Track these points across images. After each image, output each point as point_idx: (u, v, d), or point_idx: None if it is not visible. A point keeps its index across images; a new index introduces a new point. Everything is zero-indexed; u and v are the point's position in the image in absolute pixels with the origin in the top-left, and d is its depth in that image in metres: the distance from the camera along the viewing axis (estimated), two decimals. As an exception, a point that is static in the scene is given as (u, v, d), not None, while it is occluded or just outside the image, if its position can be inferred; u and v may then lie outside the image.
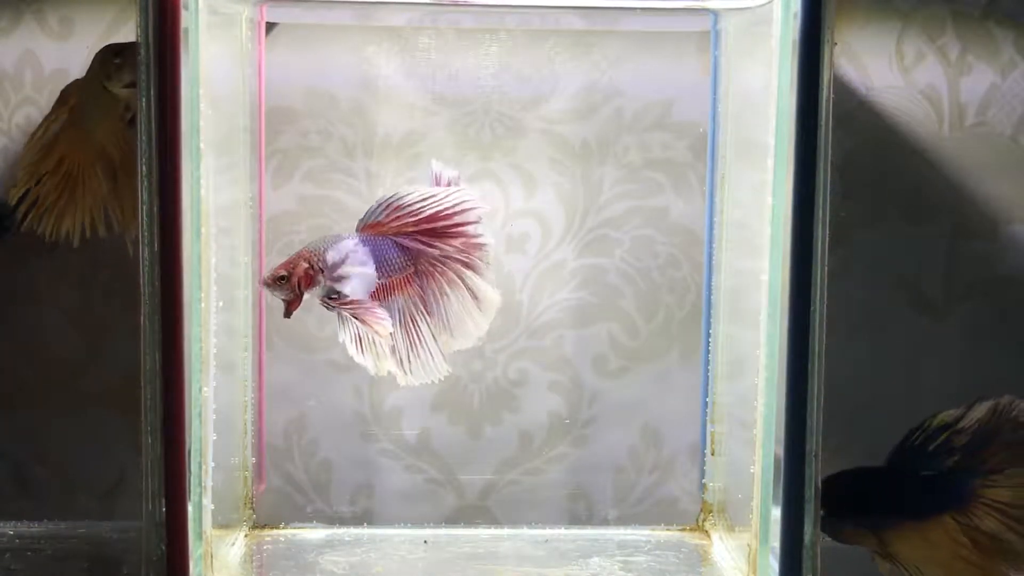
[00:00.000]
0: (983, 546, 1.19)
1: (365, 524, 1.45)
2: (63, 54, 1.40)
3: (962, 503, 1.20)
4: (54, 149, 1.34)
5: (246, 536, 1.39)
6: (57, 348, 1.44)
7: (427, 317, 1.22)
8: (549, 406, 1.46)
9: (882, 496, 1.14)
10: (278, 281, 1.19)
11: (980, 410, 1.21)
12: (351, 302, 1.19)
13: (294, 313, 1.20)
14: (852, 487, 1.22)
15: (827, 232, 1.10)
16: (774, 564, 1.15)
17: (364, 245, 1.21)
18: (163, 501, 1.10)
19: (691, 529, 1.44)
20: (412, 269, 1.22)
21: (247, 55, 1.35)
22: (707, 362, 1.41)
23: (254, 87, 1.37)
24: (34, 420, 1.45)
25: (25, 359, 1.44)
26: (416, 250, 1.21)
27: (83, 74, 1.34)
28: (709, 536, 1.41)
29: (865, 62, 1.43)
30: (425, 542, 1.38)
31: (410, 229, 1.20)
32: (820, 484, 1.12)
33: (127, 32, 1.39)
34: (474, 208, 1.21)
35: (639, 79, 1.42)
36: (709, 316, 1.41)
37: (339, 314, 1.21)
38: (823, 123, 1.09)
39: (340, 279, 1.20)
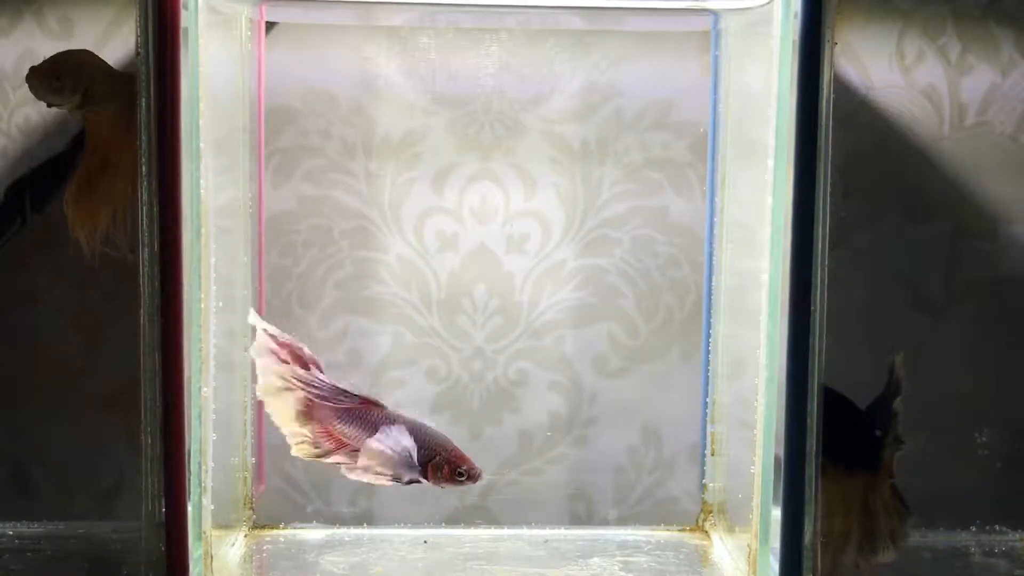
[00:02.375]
0: (867, 525, 1.16)
1: (365, 524, 1.45)
2: (63, 54, 1.40)
3: (874, 466, 1.16)
4: None
5: (246, 536, 1.39)
6: (57, 348, 1.44)
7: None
8: (549, 406, 1.46)
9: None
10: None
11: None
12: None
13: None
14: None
15: (827, 232, 1.10)
16: (774, 564, 1.15)
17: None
18: (163, 501, 1.10)
19: (691, 529, 1.44)
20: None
21: (247, 55, 1.35)
22: (707, 362, 1.41)
23: (254, 87, 1.37)
24: (34, 420, 1.45)
25: (25, 359, 1.44)
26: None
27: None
28: (709, 536, 1.41)
29: (865, 62, 1.43)
30: (425, 542, 1.38)
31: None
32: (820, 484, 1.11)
33: (127, 32, 1.39)
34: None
35: (639, 79, 1.42)
36: (709, 316, 1.41)
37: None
38: (823, 123, 1.09)
39: None
